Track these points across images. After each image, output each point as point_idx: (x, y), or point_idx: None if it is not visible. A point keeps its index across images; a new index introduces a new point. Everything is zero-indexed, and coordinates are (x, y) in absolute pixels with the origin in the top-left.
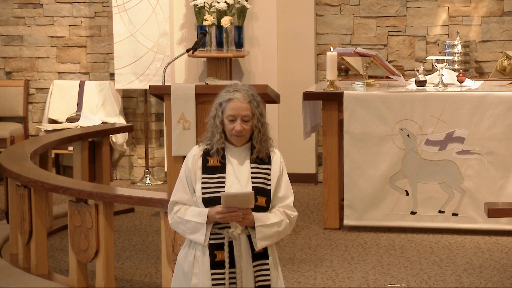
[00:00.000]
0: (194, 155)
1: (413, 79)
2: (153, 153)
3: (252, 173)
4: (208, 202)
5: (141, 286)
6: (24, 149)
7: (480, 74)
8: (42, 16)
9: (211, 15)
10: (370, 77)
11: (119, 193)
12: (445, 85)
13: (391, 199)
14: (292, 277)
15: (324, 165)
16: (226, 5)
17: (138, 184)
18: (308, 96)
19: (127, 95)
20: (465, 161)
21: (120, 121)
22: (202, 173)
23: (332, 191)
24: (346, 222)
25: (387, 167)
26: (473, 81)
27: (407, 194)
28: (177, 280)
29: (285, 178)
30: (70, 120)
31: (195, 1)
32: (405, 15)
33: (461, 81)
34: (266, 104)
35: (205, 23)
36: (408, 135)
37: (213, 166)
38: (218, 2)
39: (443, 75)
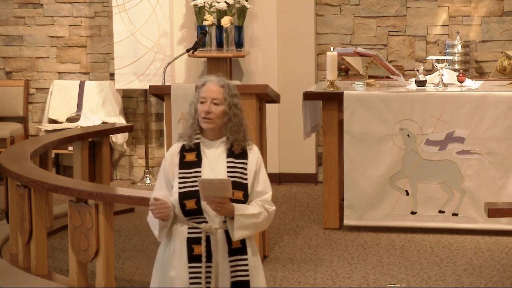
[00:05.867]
0: (172, 152)
1: (413, 79)
2: (153, 153)
3: (228, 167)
4: (185, 196)
5: (141, 286)
6: (24, 149)
7: (480, 74)
8: (42, 16)
9: (211, 15)
10: (370, 77)
11: (119, 193)
12: (445, 85)
13: (391, 199)
14: (292, 277)
15: (324, 165)
16: (226, 5)
17: (138, 184)
18: (308, 96)
19: (127, 95)
20: (465, 161)
21: (120, 121)
22: (179, 169)
23: (332, 191)
24: (346, 222)
25: (387, 167)
26: (473, 81)
27: (407, 194)
28: (157, 271)
29: (263, 174)
30: (70, 120)
31: (195, 1)
32: (405, 15)
33: (461, 81)
34: (266, 104)
35: (205, 23)
36: (408, 135)
37: (190, 161)
38: (218, 2)
39: (443, 75)
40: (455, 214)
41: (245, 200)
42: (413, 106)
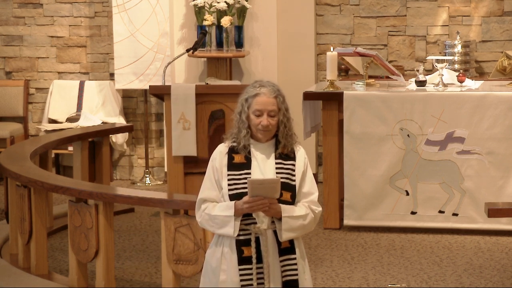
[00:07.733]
0: (220, 151)
1: (413, 79)
2: (153, 153)
3: (277, 168)
4: (235, 198)
5: (141, 286)
6: (24, 149)
7: (480, 74)
8: (42, 16)
9: (211, 15)
10: (370, 77)
11: (119, 193)
12: (445, 85)
13: (391, 199)
14: None
15: (324, 165)
16: (226, 5)
17: (138, 184)
18: (308, 96)
19: (127, 95)
20: (465, 161)
21: (120, 121)
22: (228, 170)
23: (332, 191)
24: (346, 222)
25: (387, 167)
26: (473, 81)
27: (407, 194)
28: (206, 277)
29: (310, 174)
30: (70, 120)
31: (195, 1)
32: (405, 15)
33: (461, 81)
34: None
35: (205, 23)
36: (408, 135)
37: (239, 163)
38: (218, 2)
39: (443, 75)
40: (455, 214)
41: (292, 201)
42: (413, 106)
